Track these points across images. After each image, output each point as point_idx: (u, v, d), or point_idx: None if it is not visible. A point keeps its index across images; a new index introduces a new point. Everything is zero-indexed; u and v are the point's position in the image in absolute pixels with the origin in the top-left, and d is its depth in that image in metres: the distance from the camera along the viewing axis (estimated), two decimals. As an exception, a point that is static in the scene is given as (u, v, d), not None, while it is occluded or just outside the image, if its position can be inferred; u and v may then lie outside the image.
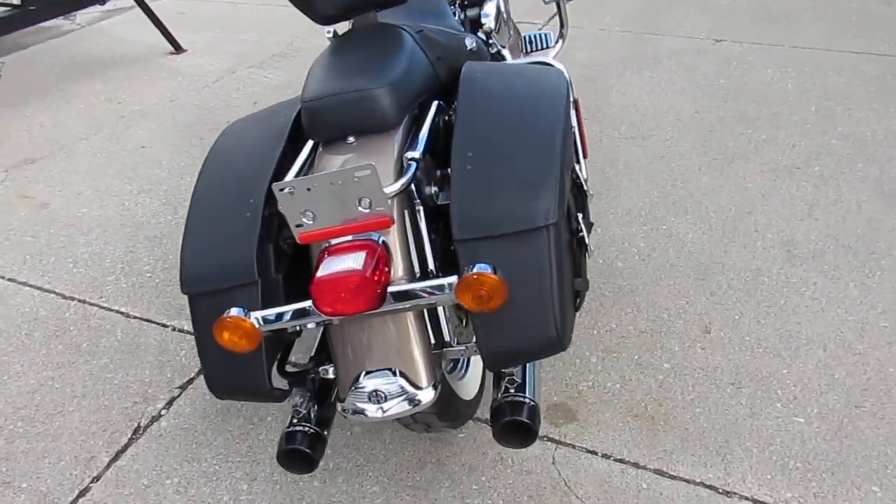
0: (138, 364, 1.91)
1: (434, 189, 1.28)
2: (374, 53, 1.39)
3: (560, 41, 2.23)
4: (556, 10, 2.19)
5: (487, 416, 1.25)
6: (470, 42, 1.68)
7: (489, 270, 1.08)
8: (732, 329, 1.89)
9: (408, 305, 1.15)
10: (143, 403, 1.80)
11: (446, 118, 1.43)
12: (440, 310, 1.27)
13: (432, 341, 1.25)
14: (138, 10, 3.92)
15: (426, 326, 1.25)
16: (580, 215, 1.34)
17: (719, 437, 1.61)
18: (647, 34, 3.69)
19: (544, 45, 2.33)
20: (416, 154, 1.23)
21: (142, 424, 1.74)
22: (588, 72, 3.33)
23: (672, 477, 1.53)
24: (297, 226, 1.12)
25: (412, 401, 1.21)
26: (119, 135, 3.13)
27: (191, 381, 1.85)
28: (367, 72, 1.32)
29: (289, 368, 1.34)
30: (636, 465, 1.56)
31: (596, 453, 1.59)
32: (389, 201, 1.14)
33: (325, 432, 1.28)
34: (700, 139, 2.74)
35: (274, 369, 1.28)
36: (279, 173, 1.29)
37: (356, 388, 1.21)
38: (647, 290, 2.04)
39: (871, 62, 3.23)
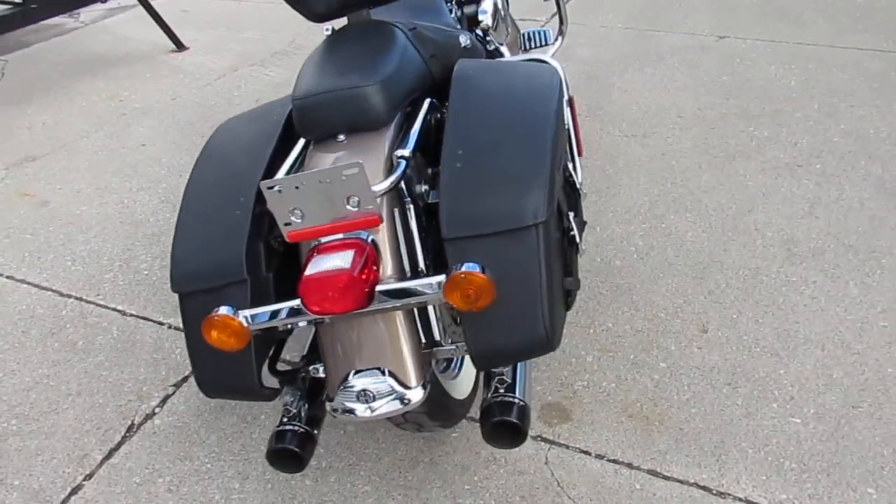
0: (133, 362, 1.91)
1: (425, 187, 1.27)
2: (365, 51, 1.38)
3: (559, 38, 2.22)
4: (555, 7, 2.18)
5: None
6: (464, 39, 1.67)
7: (477, 269, 1.07)
8: (730, 328, 1.87)
9: (396, 304, 1.15)
10: (137, 401, 1.80)
11: (439, 116, 1.42)
12: (431, 309, 1.26)
13: (423, 340, 1.25)
14: (142, 7, 3.92)
15: (416, 325, 1.24)
16: (572, 214, 1.33)
17: (714, 437, 1.59)
18: (649, 31, 3.67)
19: (543, 43, 2.32)
20: (406, 152, 1.22)
21: (135, 422, 1.74)
22: (590, 69, 3.31)
23: (666, 477, 1.52)
24: (286, 224, 1.12)
25: (401, 400, 1.20)
26: (120, 132, 3.13)
27: (185, 378, 1.85)
28: (358, 69, 1.31)
29: (280, 367, 1.33)
30: (630, 465, 1.55)
31: (589, 453, 1.58)
32: (378, 200, 1.14)
33: (316, 432, 1.28)
34: (701, 136, 2.73)
35: (265, 368, 1.28)
36: (270, 171, 1.29)
37: (345, 388, 1.20)
38: (644, 288, 2.02)
39: (876, 59, 3.21)
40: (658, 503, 1.47)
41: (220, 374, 1.24)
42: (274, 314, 1.16)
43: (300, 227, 1.12)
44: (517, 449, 1.58)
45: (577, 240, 1.32)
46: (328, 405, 1.23)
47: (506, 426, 1.19)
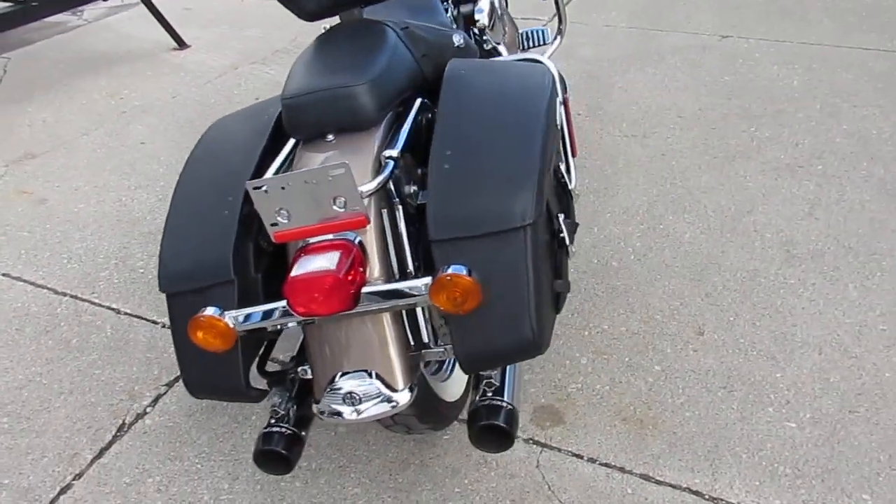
0: (126, 361, 1.91)
1: (414, 188, 1.26)
2: (355, 50, 1.37)
3: (558, 38, 2.20)
4: (554, 7, 2.17)
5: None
6: (458, 39, 1.65)
7: (464, 272, 1.06)
8: (726, 331, 1.85)
9: (383, 306, 1.14)
10: (129, 401, 1.79)
11: (430, 116, 1.41)
12: (419, 310, 1.25)
13: (411, 342, 1.24)
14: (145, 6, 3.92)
15: (404, 327, 1.23)
16: (562, 216, 1.32)
17: (708, 441, 1.58)
18: (652, 30, 3.65)
19: (541, 42, 2.30)
20: (394, 152, 1.21)
21: (127, 422, 1.74)
22: (591, 68, 3.29)
23: (658, 482, 1.50)
24: (273, 225, 1.11)
25: (388, 403, 1.19)
26: (119, 130, 3.13)
27: (177, 378, 1.84)
28: (347, 69, 1.30)
29: (270, 367, 1.32)
30: (622, 469, 1.53)
31: (581, 457, 1.56)
32: (365, 200, 1.13)
33: (304, 433, 1.27)
34: (702, 137, 2.70)
35: (254, 368, 1.27)
36: (260, 171, 1.28)
37: (331, 390, 1.19)
38: (641, 290, 2.00)
39: (880, 58, 3.18)
40: (650, 508, 1.45)
41: (207, 374, 1.23)
42: (260, 315, 1.15)
43: (287, 228, 1.11)
44: (509, 452, 1.56)
45: (567, 242, 1.30)
46: (315, 407, 1.22)
47: (493, 430, 1.18)
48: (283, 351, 1.51)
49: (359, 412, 1.19)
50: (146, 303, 2.10)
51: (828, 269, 2.03)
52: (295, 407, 1.28)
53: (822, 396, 1.66)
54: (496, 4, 2.14)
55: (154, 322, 2.02)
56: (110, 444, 1.69)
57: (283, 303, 1.12)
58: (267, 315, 1.15)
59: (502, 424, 1.18)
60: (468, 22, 2.02)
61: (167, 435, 1.69)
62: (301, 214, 1.09)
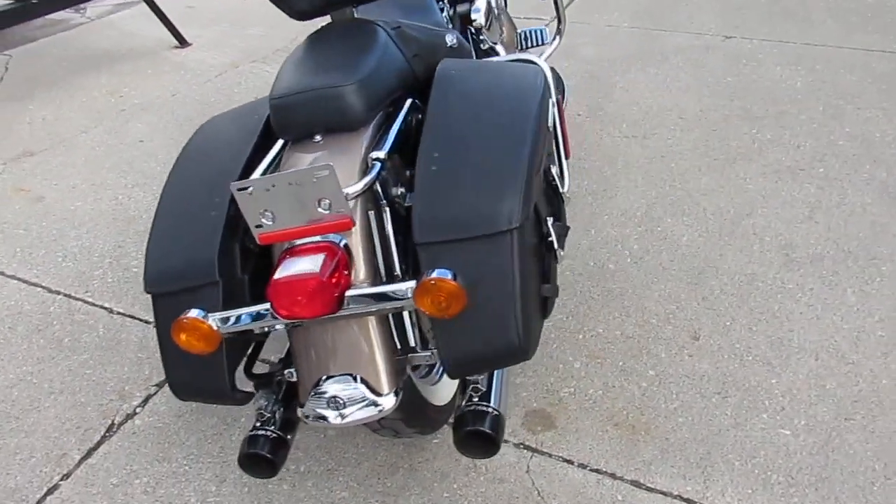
0: (118, 360, 1.90)
1: (402, 190, 1.24)
2: (344, 50, 1.36)
3: (557, 38, 2.18)
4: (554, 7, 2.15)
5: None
6: (451, 39, 1.64)
7: (448, 276, 1.05)
8: (722, 336, 1.83)
9: (368, 309, 1.12)
10: (118, 401, 1.78)
11: (420, 116, 1.39)
12: (406, 314, 1.23)
13: (397, 346, 1.22)
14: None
15: (391, 331, 1.21)
16: (551, 219, 1.30)
17: (701, 448, 1.56)
18: (655, 30, 3.62)
19: (540, 42, 2.28)
20: (382, 154, 1.19)
21: (116, 422, 1.73)
22: (593, 68, 3.27)
23: (649, 489, 1.48)
24: (257, 226, 1.10)
25: (373, 407, 1.18)
26: (118, 128, 3.13)
27: (169, 379, 1.83)
28: (336, 69, 1.28)
29: (257, 370, 1.31)
30: (613, 475, 1.51)
31: (572, 462, 1.55)
32: (351, 202, 1.11)
33: (290, 437, 1.25)
34: (702, 138, 2.68)
35: (240, 371, 1.26)
36: (248, 171, 1.27)
37: (316, 394, 1.18)
38: (637, 293, 1.98)
39: (884, 60, 3.14)
40: (640, 515, 1.44)
41: (192, 377, 1.22)
42: (245, 317, 1.14)
43: (271, 230, 1.10)
44: (498, 456, 1.55)
45: (556, 246, 1.29)
46: (300, 411, 1.20)
47: (478, 436, 1.16)
48: (273, 351, 1.50)
49: (343, 416, 1.17)
50: (139, 302, 2.09)
51: (827, 274, 2.00)
52: (281, 410, 1.26)
53: (818, 403, 1.64)
54: (493, 4, 2.12)
55: (146, 322, 2.01)
56: (99, 444, 1.68)
57: (268, 305, 1.11)
58: (252, 317, 1.13)
59: (487, 430, 1.16)
60: (465, 22, 2.00)
61: (156, 436, 1.68)
62: (286, 216, 1.08)
